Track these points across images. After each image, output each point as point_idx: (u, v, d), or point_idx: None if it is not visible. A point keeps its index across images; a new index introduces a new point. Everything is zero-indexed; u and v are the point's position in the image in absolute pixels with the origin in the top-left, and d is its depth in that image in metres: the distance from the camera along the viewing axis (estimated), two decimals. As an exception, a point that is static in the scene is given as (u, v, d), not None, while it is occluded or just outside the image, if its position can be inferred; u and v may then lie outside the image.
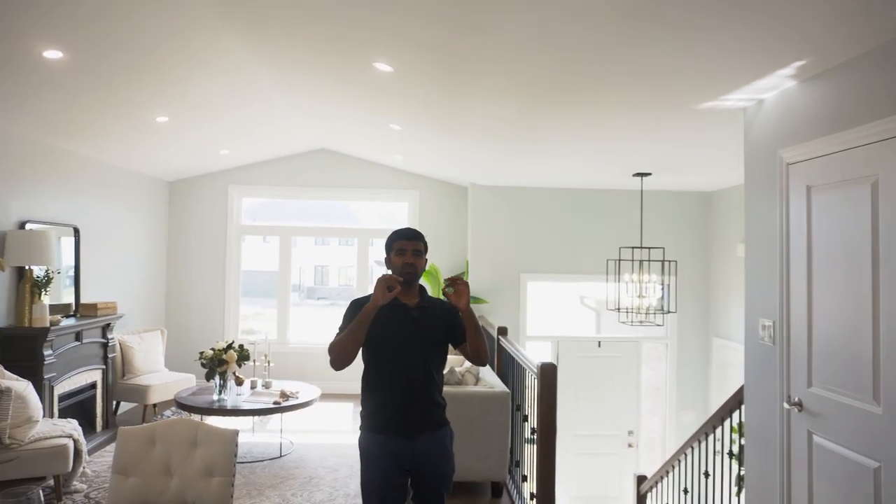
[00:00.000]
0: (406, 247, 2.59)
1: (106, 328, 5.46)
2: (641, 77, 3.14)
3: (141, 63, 3.82)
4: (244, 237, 8.01)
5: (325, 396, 6.66)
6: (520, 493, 4.06)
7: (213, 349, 5.08)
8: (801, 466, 2.86)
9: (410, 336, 2.53)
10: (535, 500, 3.38)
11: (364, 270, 7.90)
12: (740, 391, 3.48)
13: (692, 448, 4.26)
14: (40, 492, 1.53)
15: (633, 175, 5.94)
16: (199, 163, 6.99)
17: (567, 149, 5.07)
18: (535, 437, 3.43)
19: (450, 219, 7.67)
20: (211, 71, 4.22)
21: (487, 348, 2.63)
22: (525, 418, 4.10)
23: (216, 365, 5.00)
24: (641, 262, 6.05)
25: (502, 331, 5.20)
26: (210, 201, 7.58)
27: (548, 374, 3.27)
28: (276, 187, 7.69)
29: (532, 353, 7.14)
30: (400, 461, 2.48)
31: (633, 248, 5.97)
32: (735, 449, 4.06)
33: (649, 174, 5.89)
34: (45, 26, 3.11)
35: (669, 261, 6.14)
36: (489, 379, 4.57)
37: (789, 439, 2.95)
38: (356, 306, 2.54)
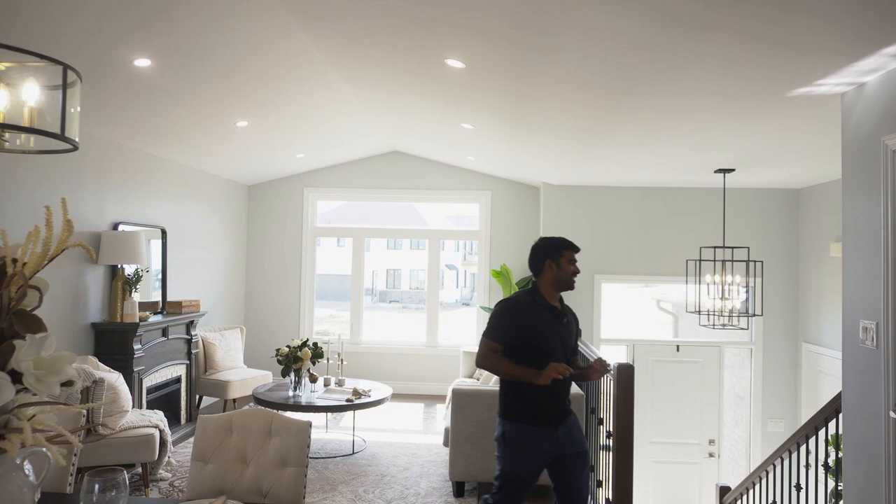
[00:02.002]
0: (575, 257, 2.96)
1: (189, 325, 5.70)
2: (725, 63, 2.97)
3: (222, 69, 3.96)
4: (319, 239, 8.20)
5: (396, 396, 6.72)
6: (595, 498, 3.93)
7: (288, 346, 5.21)
8: (909, 481, 2.61)
9: (560, 335, 2.87)
10: (611, 506, 3.25)
11: (435, 273, 7.91)
12: (837, 399, 3.23)
13: (781, 459, 3.99)
14: (126, 475, 1.57)
15: (716, 171, 5.66)
16: (276, 166, 7.22)
17: (644, 144, 4.89)
18: (612, 441, 3.30)
19: (522, 219, 7.58)
20: (287, 75, 4.33)
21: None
22: (600, 422, 3.96)
23: (291, 362, 5.12)
24: (724, 262, 5.75)
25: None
26: (286, 204, 7.81)
27: (625, 375, 3.14)
28: (350, 190, 7.84)
29: (608, 356, 6.94)
30: (549, 450, 2.79)
31: (714, 248, 5.69)
32: (831, 461, 3.77)
33: (732, 170, 5.59)
34: (135, 35, 3.27)
35: (755, 261, 5.81)
36: (562, 381, 4.45)
37: (895, 450, 2.70)
38: (508, 311, 2.85)
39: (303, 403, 4.98)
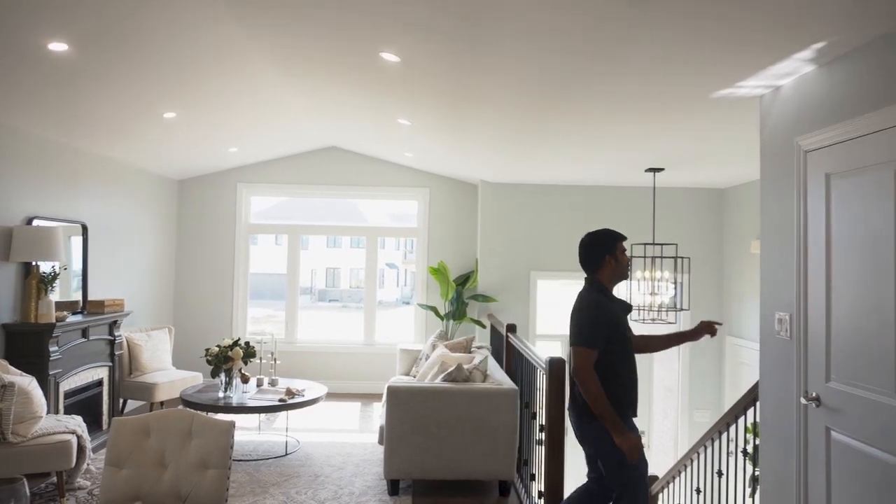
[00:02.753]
0: (625, 248, 3.02)
1: (113, 325, 5.44)
2: (655, 65, 3.06)
3: (146, 56, 3.79)
4: (255, 237, 7.99)
5: (333, 396, 6.62)
6: (528, 491, 3.98)
7: (218, 346, 5.04)
8: (818, 464, 2.76)
9: (629, 329, 2.96)
10: (542, 499, 3.29)
11: (373, 271, 7.84)
12: (755, 388, 3.38)
13: (705, 447, 4.15)
14: (25, 486, 1.47)
15: (646, 170, 5.84)
16: (207, 160, 6.98)
17: (579, 144, 4.99)
18: (544, 434, 3.35)
19: (460, 217, 7.60)
20: (218, 65, 4.19)
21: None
22: (533, 416, 4.01)
23: (222, 362, 4.96)
24: (654, 258, 5.94)
25: (511, 328, 5.12)
26: (219, 200, 7.56)
27: (557, 370, 3.18)
28: (286, 186, 7.66)
29: (542, 351, 7.05)
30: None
31: (645, 244, 5.87)
32: (749, 448, 3.94)
33: (662, 170, 5.78)
34: (49, 17, 3.08)
35: (682, 258, 6.03)
36: (497, 376, 4.49)
37: (806, 436, 2.84)
38: (604, 308, 2.85)
39: (233, 405, 4.83)
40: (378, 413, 6.24)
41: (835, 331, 2.68)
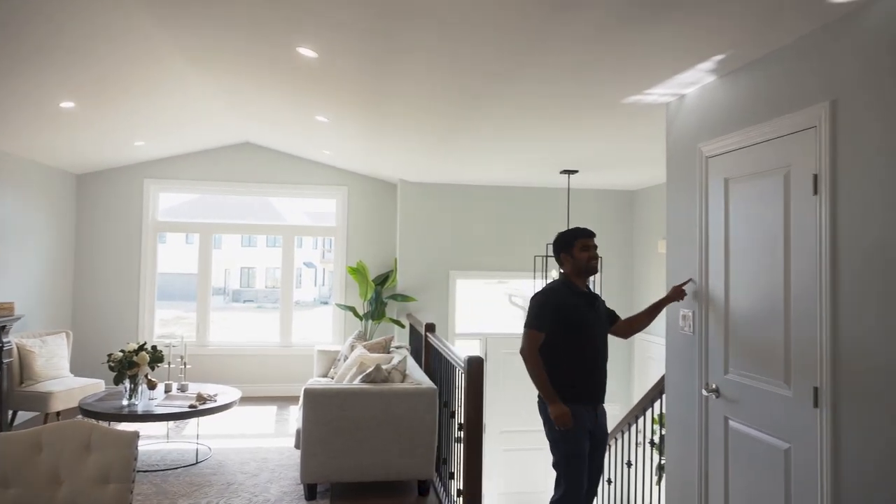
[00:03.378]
0: (588, 243, 3.19)
1: (1, 331, 5.02)
2: (569, 71, 3.14)
3: (41, 41, 3.51)
4: (163, 235, 7.60)
5: (247, 399, 6.41)
6: (447, 490, 4.00)
7: (123, 351, 4.76)
8: (717, 451, 2.93)
9: (594, 321, 3.13)
10: (461, 497, 3.32)
11: (290, 270, 7.64)
12: (661, 381, 3.55)
13: (615, 439, 4.32)
14: None
15: (561, 172, 6.01)
16: (110, 154, 6.57)
17: (496, 146, 5.07)
18: (463, 433, 3.37)
19: (379, 216, 7.54)
20: (120, 52, 3.94)
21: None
22: (452, 415, 4.04)
23: (126, 367, 4.69)
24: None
25: (430, 327, 5.13)
26: (123, 196, 7.14)
27: (475, 369, 3.21)
28: (197, 182, 7.33)
29: (461, 350, 7.12)
30: (587, 427, 3.03)
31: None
32: (656, 439, 4.14)
33: (576, 171, 5.97)
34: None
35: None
36: (417, 376, 4.49)
37: (707, 425, 3.02)
38: (550, 297, 3.10)
39: (139, 412, 4.57)
40: (295, 416, 6.09)
41: (732, 326, 2.85)
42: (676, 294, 3.19)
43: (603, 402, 3.19)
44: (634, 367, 7.28)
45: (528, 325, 3.06)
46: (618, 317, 3.41)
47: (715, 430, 2.95)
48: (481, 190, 7.18)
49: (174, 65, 4.28)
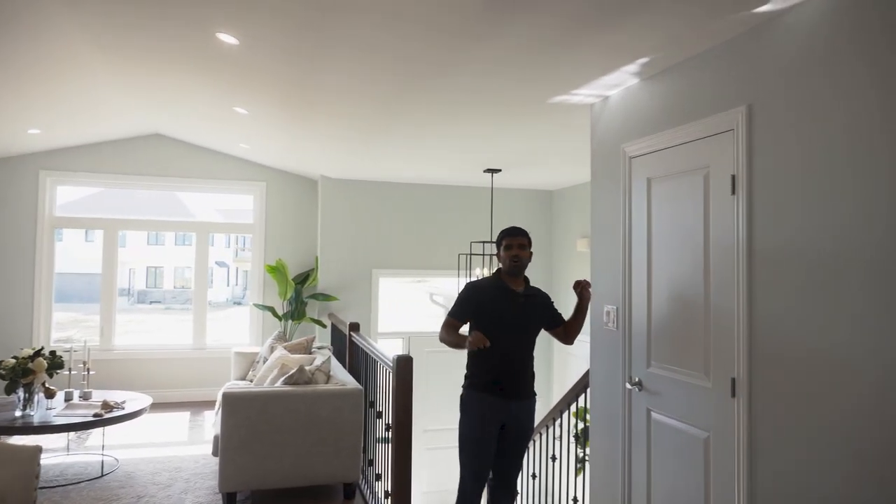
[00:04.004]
0: (511, 242, 3.17)
1: None
2: (496, 70, 3.15)
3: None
4: (60, 232, 7.04)
5: (158, 406, 6.06)
6: (373, 492, 3.93)
7: (16, 357, 4.36)
8: (640, 443, 3.03)
9: (514, 317, 3.12)
10: (390, 498, 3.26)
11: (203, 269, 7.28)
12: (586, 375, 3.63)
13: (540, 434, 4.39)
14: None
15: (485, 171, 6.06)
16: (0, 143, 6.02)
17: (422, 143, 5.03)
18: (391, 433, 3.32)
19: (299, 213, 7.33)
20: (11, 27, 3.60)
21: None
22: (379, 415, 3.97)
23: (20, 375, 4.29)
24: (492, 256, 6.18)
25: (354, 327, 5.03)
26: (15, 188, 6.55)
27: (404, 368, 3.16)
28: (100, 175, 6.83)
29: (386, 349, 7.04)
30: (497, 418, 3.07)
31: (483, 242, 6.08)
32: (579, 432, 4.25)
33: (499, 171, 6.03)
34: None
35: (517, 255, 6.33)
36: (341, 376, 4.38)
37: (630, 418, 3.11)
38: (473, 291, 3.18)
39: (35, 424, 4.20)
40: (211, 422, 5.81)
41: (655, 320, 2.96)
42: (581, 288, 3.33)
43: (525, 398, 3.18)
44: (554, 363, 7.45)
45: (448, 312, 3.20)
46: (563, 322, 3.40)
47: (638, 421, 3.05)
48: (405, 187, 7.13)
49: (74, 45, 3.96)
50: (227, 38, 3.27)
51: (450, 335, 3.13)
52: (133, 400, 4.79)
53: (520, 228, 3.26)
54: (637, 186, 3.10)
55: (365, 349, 4.37)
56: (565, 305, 6.82)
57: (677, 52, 2.70)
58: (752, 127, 2.38)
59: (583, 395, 3.82)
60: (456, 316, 3.16)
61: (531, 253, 3.25)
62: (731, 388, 2.46)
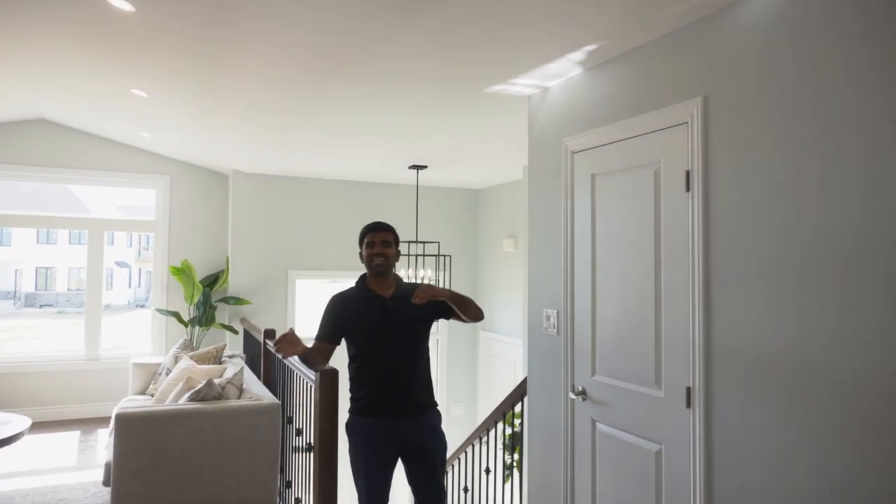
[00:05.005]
0: (374, 239, 2.74)
1: None
2: (427, 54, 2.88)
3: None
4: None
5: (42, 426, 5.40)
6: (293, 516, 3.56)
7: None
8: (584, 456, 2.85)
9: (387, 326, 2.67)
10: (312, 526, 2.92)
11: (98, 270, 6.58)
12: (523, 384, 3.43)
13: (472, 446, 4.17)
14: None
15: (410, 167, 5.78)
16: None
17: (346, 132, 4.68)
18: (312, 452, 2.98)
19: (208, 210, 6.76)
20: None
21: (477, 305, 2.78)
22: (298, 432, 3.61)
23: None
24: (417, 256, 5.92)
25: (269, 334, 4.61)
26: None
27: (328, 382, 2.83)
28: (-28, 164, 6.01)
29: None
30: (388, 442, 2.65)
31: (409, 242, 5.81)
32: (508, 440, 4.05)
33: (425, 167, 5.78)
34: None
35: (444, 255, 6.11)
36: (255, 390, 3.98)
37: (573, 429, 2.93)
38: (338, 304, 2.76)
39: None
40: (104, 443, 5.20)
41: (600, 326, 2.78)
42: (421, 299, 2.63)
43: (418, 413, 2.69)
44: (479, 365, 7.28)
45: (315, 336, 2.74)
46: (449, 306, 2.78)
47: (582, 433, 2.87)
48: (325, 184, 6.73)
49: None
50: (120, 5, 2.82)
51: (305, 355, 2.65)
52: (8, 423, 4.16)
53: (383, 223, 2.82)
54: (580, 183, 2.92)
55: (283, 359, 3.98)
56: (489, 305, 6.63)
57: (627, 40, 2.54)
58: (709, 119, 2.24)
59: (520, 404, 3.61)
60: (326, 337, 2.70)
61: (399, 251, 2.82)
62: (685, 397, 2.31)
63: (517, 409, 3.68)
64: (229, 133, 5.00)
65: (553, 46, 2.66)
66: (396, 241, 2.82)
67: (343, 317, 2.73)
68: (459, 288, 7.02)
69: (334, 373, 2.86)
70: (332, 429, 2.83)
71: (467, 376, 7.31)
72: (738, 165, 2.13)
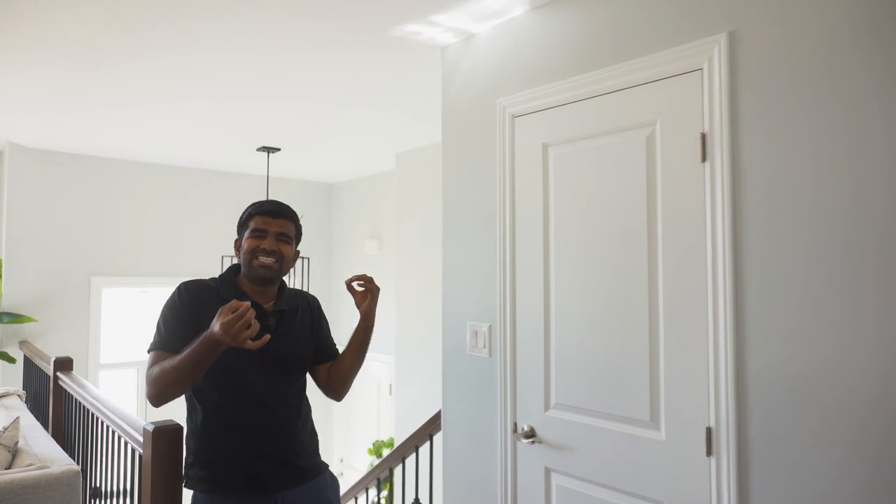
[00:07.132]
0: (267, 227, 1.77)
1: None
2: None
3: None
4: None
5: None
6: None
7: None
8: (534, 517, 2.14)
9: (265, 353, 1.67)
10: None
11: None
12: (437, 418, 2.65)
13: (367, 490, 3.29)
14: None
15: (259, 149, 4.72)
16: None
17: (172, 96, 3.54)
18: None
19: (-29, 197, 5.07)
20: None
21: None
22: (110, 508, 2.48)
23: None
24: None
25: (62, 364, 3.33)
26: None
27: (167, 445, 1.83)
28: None
29: (109, 387, 5.19)
30: None
31: (256, 242, 4.75)
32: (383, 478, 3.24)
33: (278, 150, 4.75)
34: None
35: (303, 258, 5.10)
36: (40, 450, 2.74)
37: (515, 481, 2.21)
38: (192, 293, 1.74)
39: None
40: None
41: (557, 344, 2.10)
42: (364, 295, 1.92)
43: (306, 479, 1.79)
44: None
45: (152, 344, 1.73)
46: (336, 353, 1.99)
47: (530, 488, 2.16)
48: (145, 167, 5.38)
49: None
50: None
51: (166, 369, 1.60)
52: None
53: (284, 206, 1.85)
54: (525, 156, 2.22)
55: (85, 402, 2.79)
56: (352, 314, 5.74)
57: (608, -40, 1.89)
58: (738, 63, 1.66)
59: (427, 446, 2.82)
60: (167, 346, 1.68)
61: (298, 252, 1.90)
62: (705, 442, 1.69)
63: (425, 455, 2.88)
64: (7, 89, 3.57)
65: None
66: (298, 236, 1.87)
67: (205, 318, 1.63)
68: (316, 293, 6.05)
69: (176, 430, 1.86)
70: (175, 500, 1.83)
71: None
72: (781, 125, 1.56)
